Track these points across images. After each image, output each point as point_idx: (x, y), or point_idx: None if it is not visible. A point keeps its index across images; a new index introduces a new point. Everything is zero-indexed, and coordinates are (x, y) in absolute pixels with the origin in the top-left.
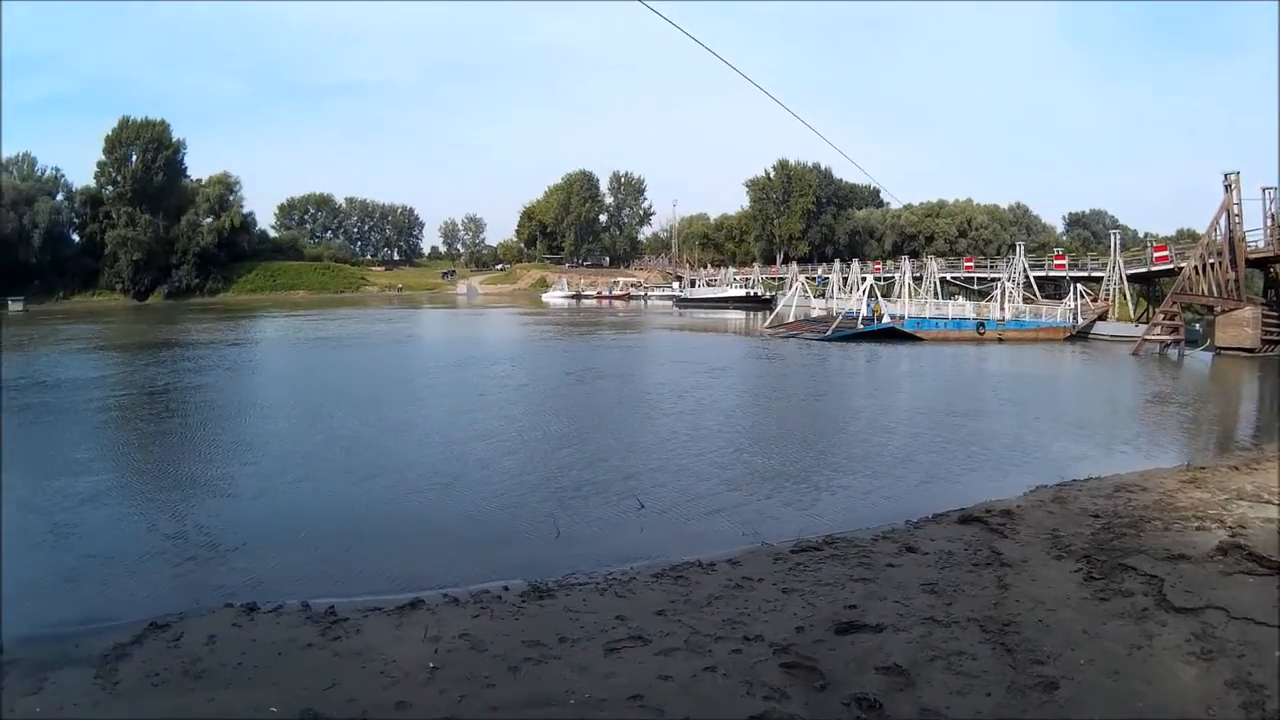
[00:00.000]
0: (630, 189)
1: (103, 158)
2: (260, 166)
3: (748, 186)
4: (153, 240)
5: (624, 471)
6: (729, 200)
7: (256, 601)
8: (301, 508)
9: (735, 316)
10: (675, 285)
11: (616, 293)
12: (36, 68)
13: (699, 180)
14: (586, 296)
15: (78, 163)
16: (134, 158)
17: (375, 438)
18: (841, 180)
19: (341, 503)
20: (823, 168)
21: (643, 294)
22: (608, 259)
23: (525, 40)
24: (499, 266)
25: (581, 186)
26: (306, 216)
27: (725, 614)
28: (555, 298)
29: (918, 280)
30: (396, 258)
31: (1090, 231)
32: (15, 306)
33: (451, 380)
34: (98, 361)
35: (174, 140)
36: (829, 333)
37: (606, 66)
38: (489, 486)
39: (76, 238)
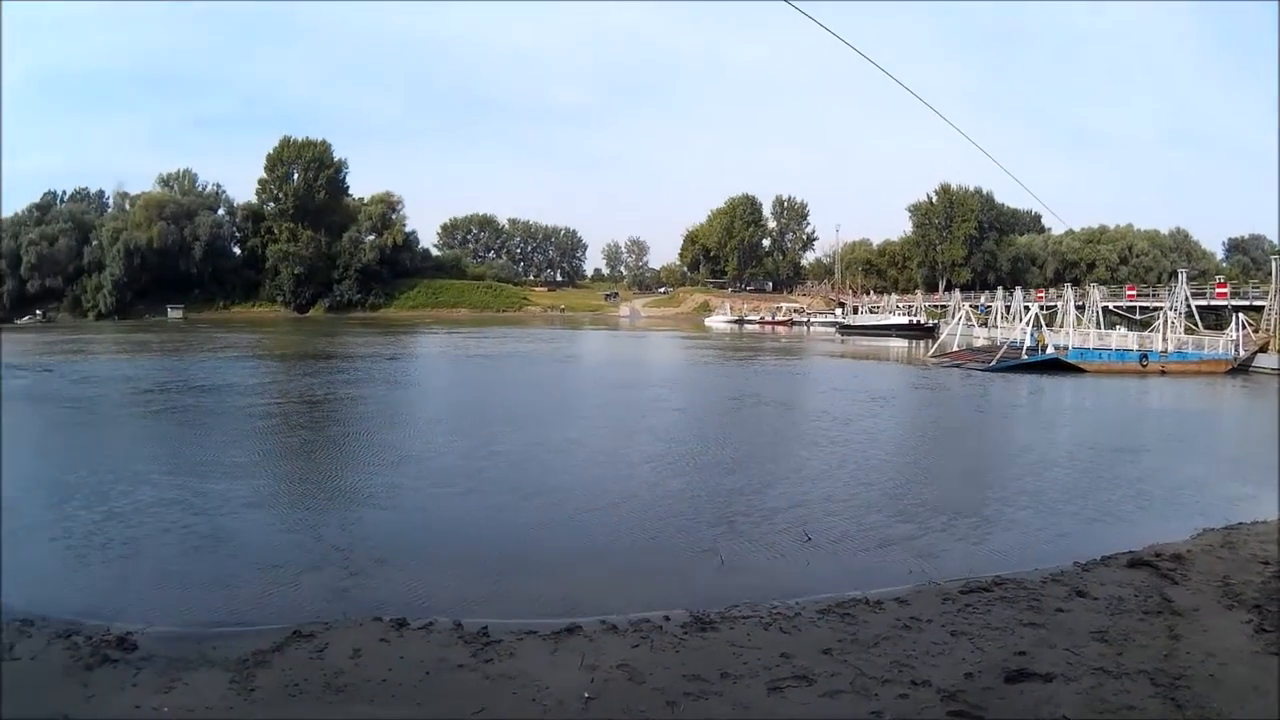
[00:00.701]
0: (793, 213)
1: (264, 175)
2: (423, 186)
3: (910, 211)
4: (314, 255)
5: (789, 500)
6: (892, 225)
7: (407, 617)
8: (459, 524)
9: (898, 345)
10: (838, 312)
11: (779, 318)
12: (198, 89)
13: (862, 205)
14: (749, 321)
15: (237, 179)
16: (295, 176)
17: (536, 456)
18: (1003, 205)
19: (500, 521)
20: (984, 191)
21: (805, 320)
22: (770, 284)
23: (686, 62)
24: (662, 290)
25: (744, 210)
26: (469, 236)
27: (892, 655)
28: (718, 322)
29: (1080, 309)
30: (559, 279)
31: (1249, 258)
32: (174, 314)
33: (613, 400)
34: (255, 369)
35: (335, 160)
36: (994, 363)
37: (766, 87)
38: (651, 511)
39: (237, 251)
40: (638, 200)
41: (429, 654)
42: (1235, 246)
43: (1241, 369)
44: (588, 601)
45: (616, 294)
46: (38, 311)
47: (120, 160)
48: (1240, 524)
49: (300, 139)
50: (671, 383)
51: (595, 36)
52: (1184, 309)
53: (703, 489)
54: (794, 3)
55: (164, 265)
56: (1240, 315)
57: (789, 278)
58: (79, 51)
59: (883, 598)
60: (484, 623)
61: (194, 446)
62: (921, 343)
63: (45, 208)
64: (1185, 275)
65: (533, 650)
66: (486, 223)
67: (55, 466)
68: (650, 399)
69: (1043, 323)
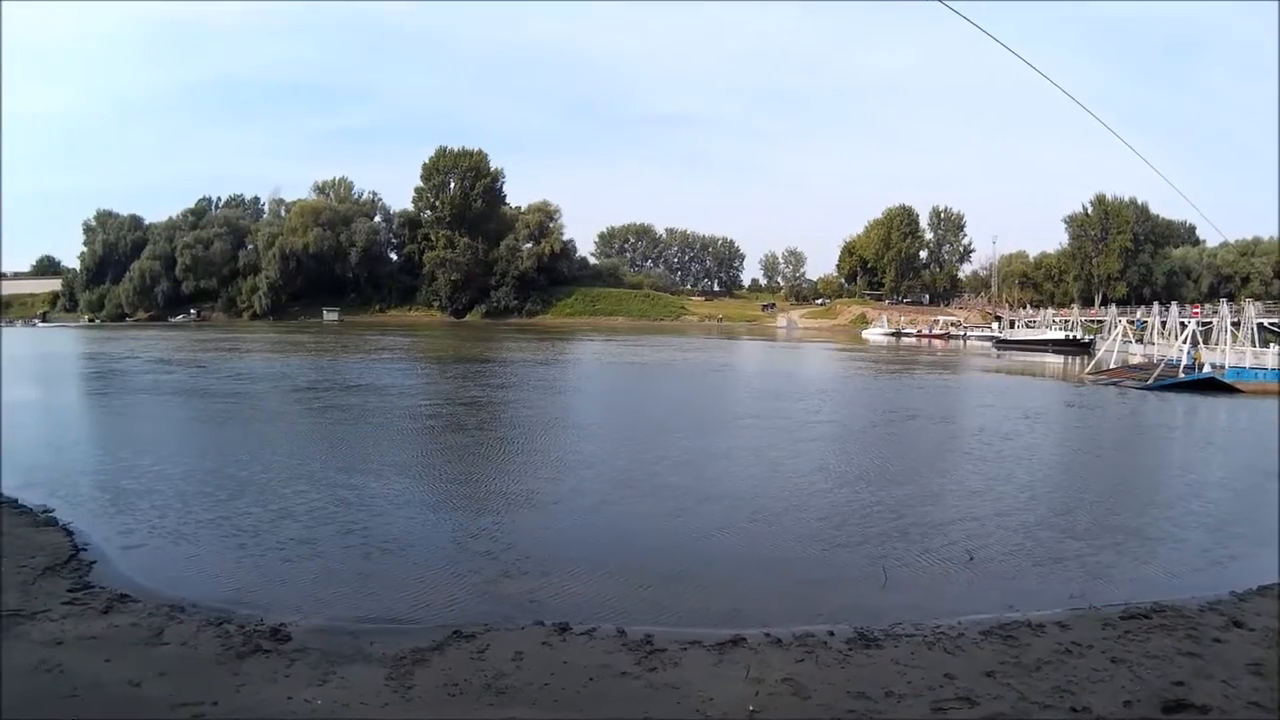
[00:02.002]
0: (950, 224)
1: (420, 183)
2: (579, 195)
3: (1066, 223)
4: (471, 262)
5: (950, 515)
6: (1048, 237)
7: (569, 622)
8: (619, 530)
9: (1054, 360)
10: (994, 325)
11: (936, 331)
12: (355, 100)
13: (1018, 215)
14: (906, 334)
15: (392, 188)
16: (452, 184)
17: (696, 463)
18: (1158, 216)
19: (661, 528)
20: (1139, 202)
21: (962, 334)
22: (927, 296)
23: (844, 71)
24: (819, 301)
25: (901, 221)
26: (626, 245)
27: (1054, 680)
28: (875, 334)
29: (1235, 325)
30: (717, 289)
31: None
32: (330, 316)
33: (770, 410)
34: (411, 371)
35: (492, 169)
36: (1150, 381)
37: (924, 96)
38: (813, 522)
39: (394, 257)
40: (795, 210)
41: (592, 660)
42: None
43: None
44: (751, 612)
45: (774, 305)
46: (192, 310)
47: (275, 168)
48: None
49: (456, 148)
50: (828, 394)
51: (748, 45)
52: None
53: (863, 502)
54: (950, 4)
55: (319, 269)
56: None
57: (946, 290)
58: (235, 63)
59: (1044, 621)
60: (648, 631)
61: (351, 445)
62: (1077, 359)
63: (200, 213)
64: None
65: (697, 661)
66: (644, 232)
67: (213, 459)
68: (808, 410)
69: (1199, 340)
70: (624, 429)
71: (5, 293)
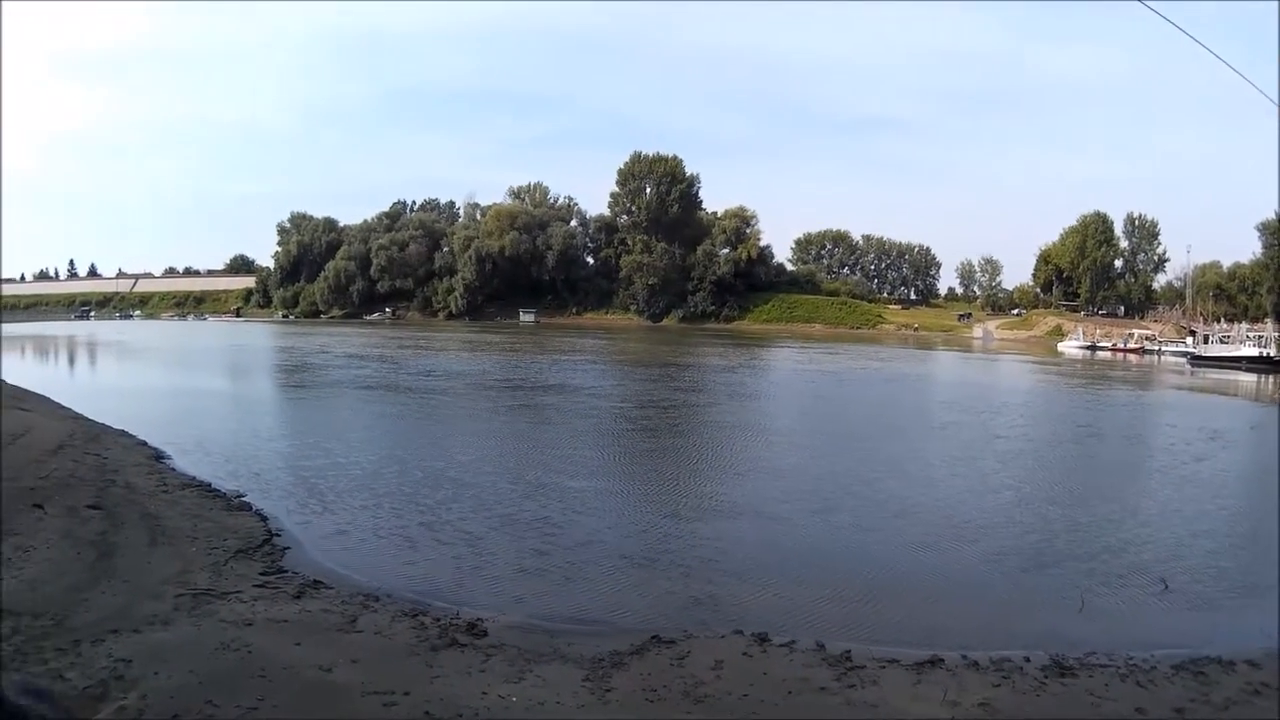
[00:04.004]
0: (1144, 232)
1: (615, 189)
2: (775, 201)
3: (1259, 230)
4: (668, 267)
5: (1144, 538)
6: (1243, 246)
7: (768, 633)
8: (816, 541)
9: (1246, 379)
10: (1188, 340)
11: (1130, 345)
12: (548, 106)
13: (1211, 223)
14: (1101, 348)
15: (586, 193)
16: (648, 190)
17: (891, 476)
18: None
19: (857, 541)
20: None
21: (1156, 348)
22: (1122, 308)
23: (1035, 71)
24: (1015, 311)
25: (1096, 229)
26: (823, 252)
27: None
28: (1070, 347)
29: None
30: (913, 297)
31: None
32: (527, 318)
33: (965, 423)
34: (607, 373)
35: (688, 175)
36: None
37: (1117, 96)
38: (1009, 541)
39: (590, 260)
40: (989, 216)
41: (791, 673)
42: None
43: None
44: (948, 632)
45: (970, 314)
46: (387, 309)
47: (467, 172)
48: None
49: (650, 154)
50: (1020, 408)
51: (939, 45)
52: None
53: (1058, 521)
54: (1149, 3)
55: (515, 271)
56: None
57: (1140, 301)
58: (428, 72)
59: (1234, 658)
60: (847, 646)
61: (547, 443)
62: (1270, 377)
63: (394, 215)
64: None
65: (895, 680)
66: (840, 238)
67: (407, 453)
68: (1001, 424)
69: None
70: (820, 438)
71: (200, 288)
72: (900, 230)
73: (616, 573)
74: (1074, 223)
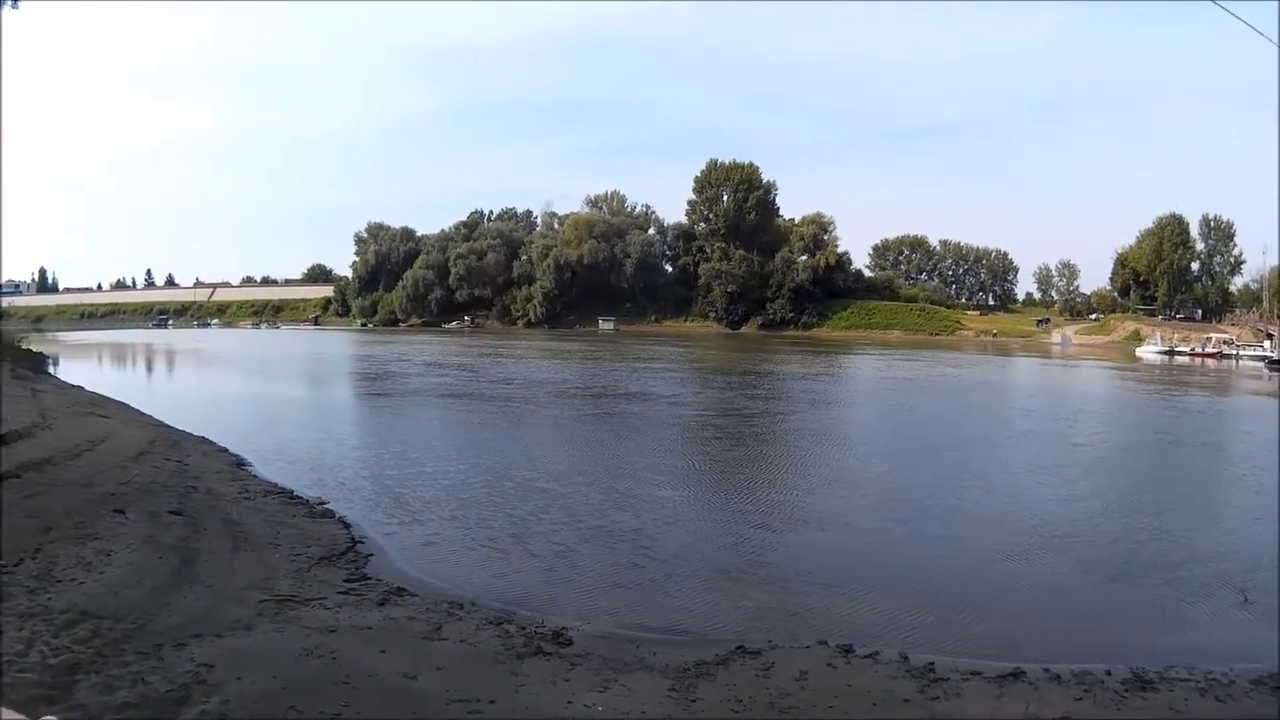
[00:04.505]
0: (1220, 233)
1: (692, 196)
2: (851, 207)
3: None
4: (747, 274)
5: (1224, 549)
6: None
7: (852, 644)
8: (901, 551)
9: None
10: (1266, 344)
11: (1209, 350)
12: (625, 115)
13: None
14: (1180, 353)
15: (664, 200)
16: (725, 197)
17: (973, 485)
18: None
19: (939, 551)
20: None
21: (1234, 352)
22: (1200, 312)
23: (1108, 71)
24: (1092, 316)
25: (1172, 231)
26: (901, 258)
27: None
28: (1149, 353)
29: None
30: (991, 302)
31: None
32: (605, 325)
33: (1045, 431)
34: (685, 381)
35: (765, 182)
36: None
37: (1194, 97)
38: (1090, 551)
39: (669, 268)
40: (1065, 219)
41: (875, 685)
42: None
43: None
44: (1030, 645)
45: (1048, 320)
46: (465, 317)
47: (544, 181)
48: None
49: (727, 161)
50: (1099, 415)
51: (1014, 48)
52: None
53: (1140, 531)
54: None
55: (594, 279)
56: None
57: (1218, 305)
58: (504, 84)
59: None
60: (930, 658)
61: (629, 451)
62: None
63: (472, 225)
64: None
65: (978, 692)
66: (918, 244)
67: (490, 461)
68: (1080, 432)
69: None
70: (903, 446)
71: (278, 297)
72: (977, 234)
73: (698, 581)
74: (1150, 225)
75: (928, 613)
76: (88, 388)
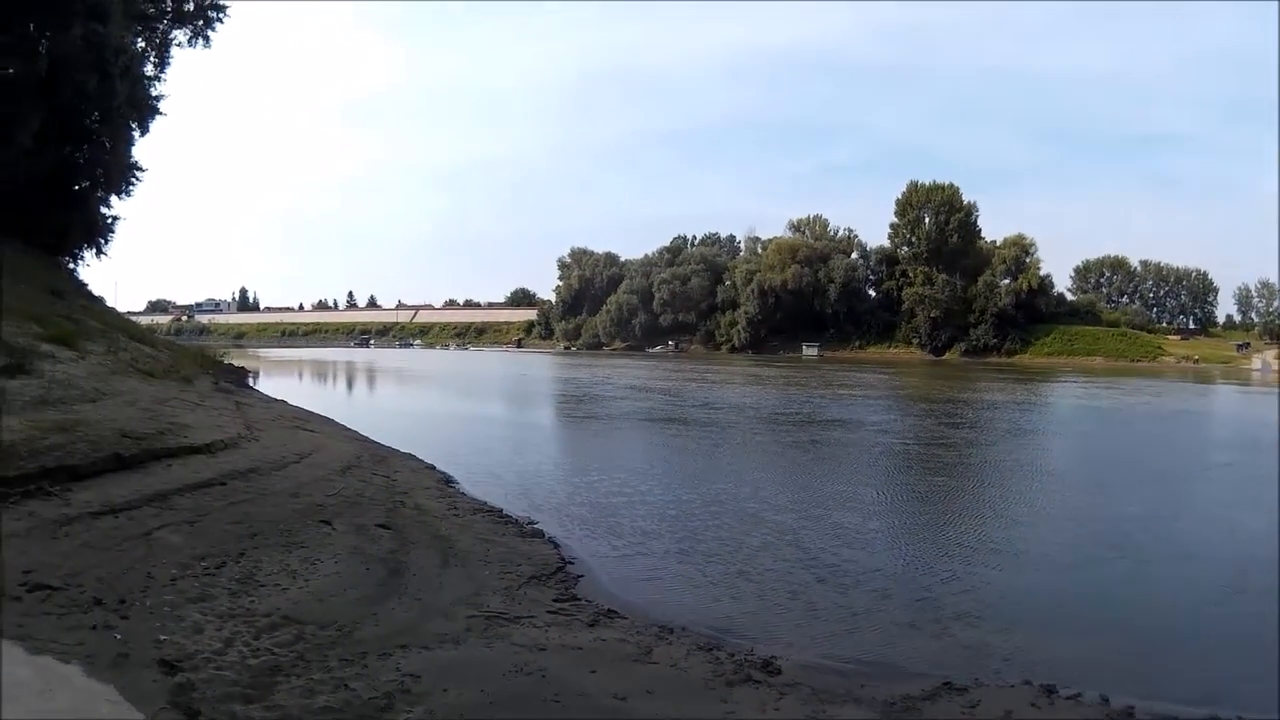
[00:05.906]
0: None
1: (894, 219)
2: (1053, 226)
3: None
4: (950, 299)
5: None
6: None
7: (1055, 684)
8: (1106, 589)
9: None
10: None
11: None
12: (825, 138)
13: None
14: None
15: (864, 223)
16: (926, 219)
17: (1182, 521)
18: None
19: (1152, 590)
20: None
21: None
22: None
23: None
24: None
25: None
26: (1102, 280)
27: None
28: None
29: None
30: (1192, 326)
31: None
32: (810, 351)
33: (1246, 462)
34: (889, 408)
35: (965, 203)
36: None
37: None
38: None
39: (872, 293)
40: (1263, 235)
41: None
42: None
43: None
44: (1228, 694)
45: (1248, 344)
46: (670, 342)
47: (744, 205)
48: None
49: (928, 183)
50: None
51: (1202, 53)
52: None
53: None
54: None
55: (797, 305)
56: None
57: None
58: (709, 107)
59: None
60: (1130, 703)
61: (833, 479)
62: None
63: (676, 250)
64: None
65: None
66: (1119, 265)
67: (695, 486)
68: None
69: None
70: (1109, 478)
71: (481, 320)
72: (1175, 253)
73: (902, 613)
74: None
75: (1133, 654)
76: (291, 402)
